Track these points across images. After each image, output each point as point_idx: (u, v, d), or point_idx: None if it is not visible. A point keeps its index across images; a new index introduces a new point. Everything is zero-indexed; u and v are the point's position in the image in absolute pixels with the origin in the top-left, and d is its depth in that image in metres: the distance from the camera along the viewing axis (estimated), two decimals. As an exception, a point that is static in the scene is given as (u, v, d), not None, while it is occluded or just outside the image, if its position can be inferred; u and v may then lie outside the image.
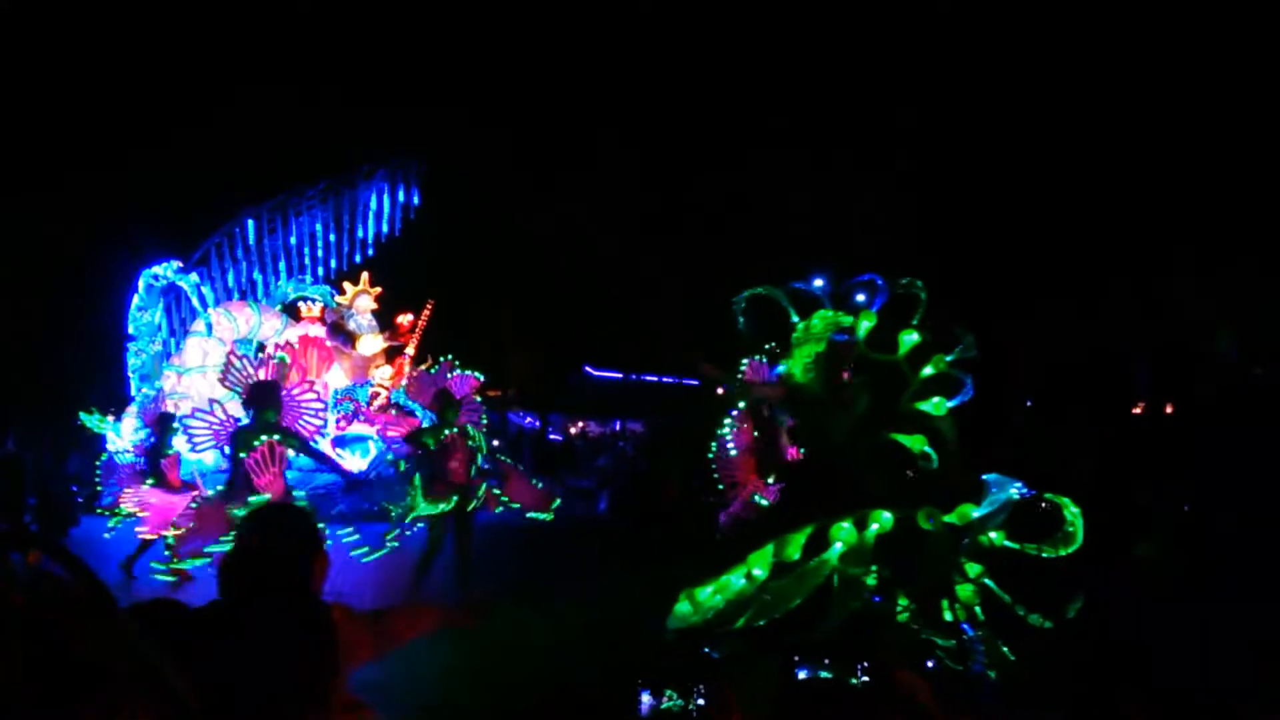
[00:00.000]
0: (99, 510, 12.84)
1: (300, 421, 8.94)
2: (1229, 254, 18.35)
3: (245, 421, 8.84)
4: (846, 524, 5.88)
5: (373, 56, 28.29)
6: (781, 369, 7.61)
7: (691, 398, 31.04)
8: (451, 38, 29.98)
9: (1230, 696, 5.60)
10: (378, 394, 18.35)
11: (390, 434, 9.85)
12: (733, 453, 9.95)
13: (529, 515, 9.99)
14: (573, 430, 34.54)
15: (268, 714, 2.36)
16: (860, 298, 7.20)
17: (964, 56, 24.66)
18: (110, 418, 17.18)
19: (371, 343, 19.00)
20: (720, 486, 10.08)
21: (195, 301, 19.16)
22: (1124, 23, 22.49)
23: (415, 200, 21.47)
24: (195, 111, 25.86)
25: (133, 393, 18.50)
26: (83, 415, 17.92)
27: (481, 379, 10.10)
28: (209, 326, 18.23)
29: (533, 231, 28.66)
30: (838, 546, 5.88)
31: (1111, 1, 22.97)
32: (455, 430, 9.14)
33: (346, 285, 19.84)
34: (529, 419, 31.15)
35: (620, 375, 34.45)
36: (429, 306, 20.37)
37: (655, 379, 34.02)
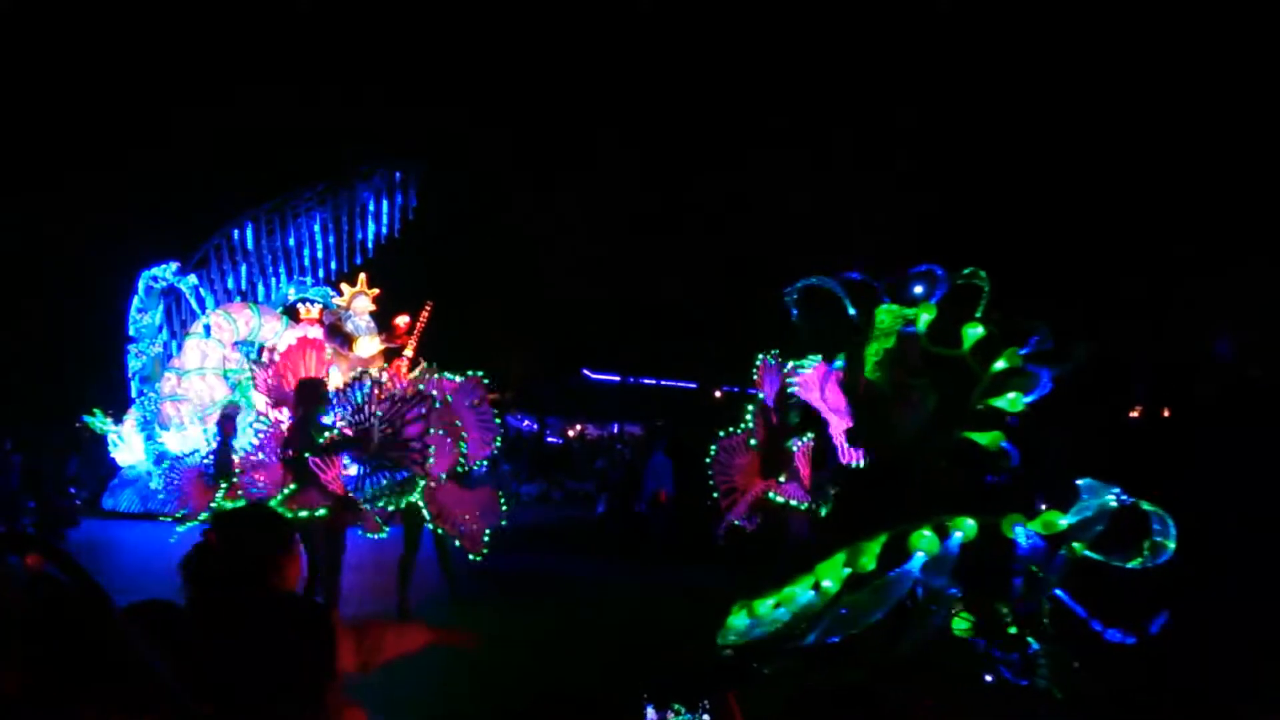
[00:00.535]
0: (163, 515, 12.63)
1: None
2: (1229, 255, 18.33)
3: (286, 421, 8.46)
4: (928, 532, 5.50)
5: (372, 57, 28.36)
6: (840, 364, 7.23)
7: (688, 401, 31.11)
8: (451, 39, 30.04)
9: (1230, 696, 5.56)
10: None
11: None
12: (752, 443, 9.39)
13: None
14: (571, 433, 34.54)
15: (265, 714, 2.36)
16: (918, 290, 6.79)
17: (964, 57, 24.68)
18: (111, 420, 17.20)
19: (369, 345, 18.92)
20: (715, 495, 9.54)
21: (194, 303, 19.16)
22: (1123, 28, 22.51)
23: (413, 201, 21.45)
24: (195, 113, 25.89)
25: (133, 394, 18.52)
26: (86, 418, 17.95)
27: (488, 382, 9.73)
28: (207, 328, 18.22)
29: (531, 234, 28.66)
30: (919, 556, 5.47)
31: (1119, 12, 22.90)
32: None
33: (344, 286, 19.77)
34: (527, 422, 31.14)
35: (618, 378, 34.47)
36: (427, 308, 20.33)
37: (654, 382, 34.04)
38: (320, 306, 19.44)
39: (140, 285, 18.82)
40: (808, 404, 9.13)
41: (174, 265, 19.12)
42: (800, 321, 7.40)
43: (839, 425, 8.61)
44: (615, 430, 33.76)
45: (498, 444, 9.69)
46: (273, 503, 7.77)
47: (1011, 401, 6.22)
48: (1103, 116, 22.94)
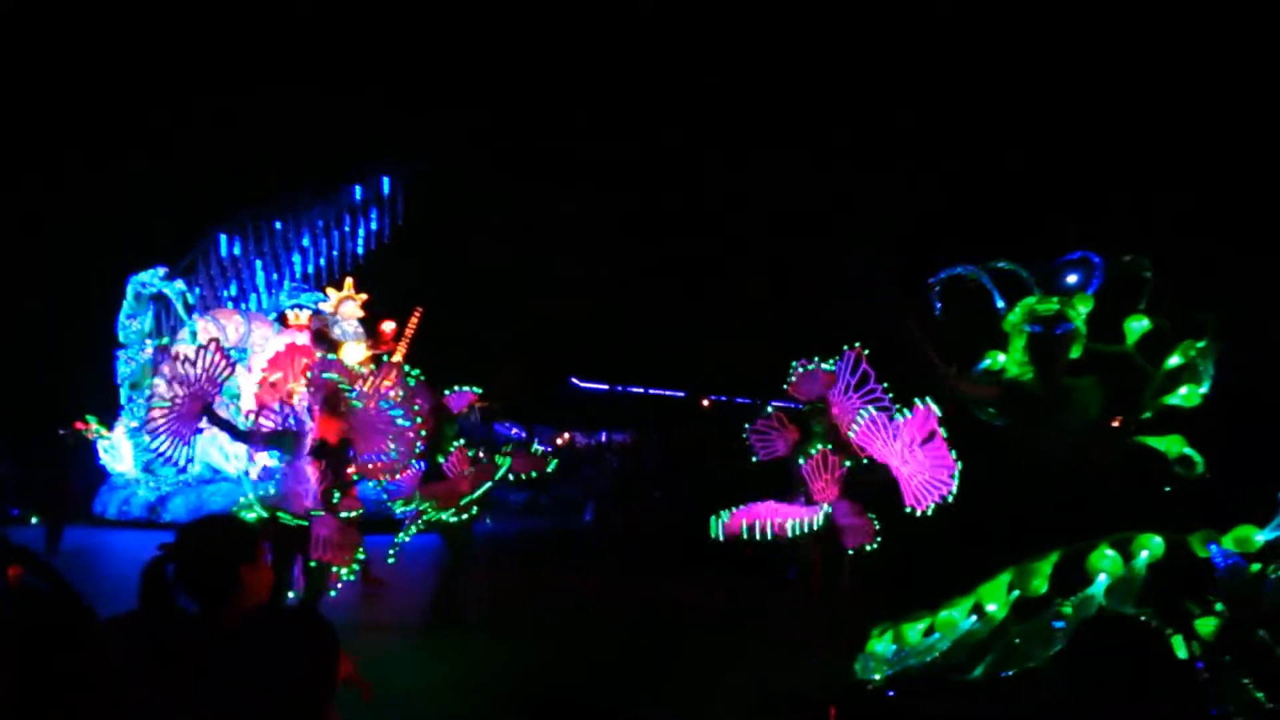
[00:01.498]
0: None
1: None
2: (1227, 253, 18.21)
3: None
4: (1110, 551, 4.91)
5: (362, 63, 28.31)
6: (986, 363, 6.54)
7: (677, 410, 31.14)
8: (441, 44, 30.03)
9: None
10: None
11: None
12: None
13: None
14: (559, 441, 34.51)
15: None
16: (1072, 279, 6.15)
17: (965, 58, 24.71)
18: (105, 427, 17.16)
19: (355, 351, 18.72)
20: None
21: (180, 309, 19.04)
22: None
23: (401, 207, 21.42)
24: (184, 115, 25.81)
25: (123, 401, 18.41)
26: (78, 425, 17.87)
27: (479, 393, 9.43)
28: (193, 334, 18.13)
29: (521, 241, 28.68)
30: (1102, 580, 4.89)
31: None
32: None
33: (330, 291, 19.64)
34: (515, 430, 31.07)
35: (606, 386, 34.47)
36: (417, 314, 20.22)
37: (642, 390, 34.06)
38: (309, 313, 19.33)
39: (129, 291, 18.70)
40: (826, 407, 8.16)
41: (162, 270, 19.01)
42: (943, 316, 6.64)
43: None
44: (604, 439, 33.75)
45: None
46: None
47: (1186, 396, 5.67)
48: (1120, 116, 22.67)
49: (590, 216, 28.81)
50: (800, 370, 8.35)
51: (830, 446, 7.91)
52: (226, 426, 7.87)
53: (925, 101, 25.31)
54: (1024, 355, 6.05)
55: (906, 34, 26.02)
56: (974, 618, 4.99)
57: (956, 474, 7.07)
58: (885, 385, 7.77)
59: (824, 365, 8.22)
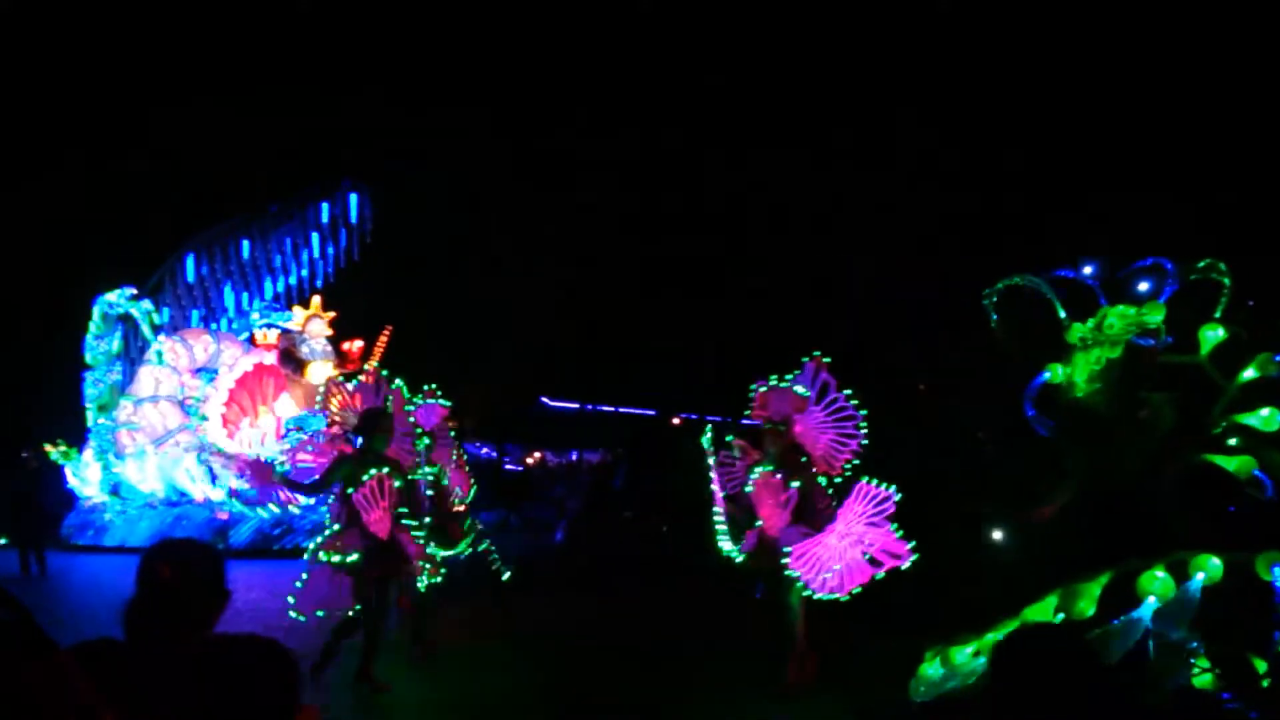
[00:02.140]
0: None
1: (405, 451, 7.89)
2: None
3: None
4: (1160, 573, 4.67)
5: (333, 75, 28.18)
6: (1046, 376, 6.06)
7: (649, 429, 31.10)
8: (409, 53, 30.00)
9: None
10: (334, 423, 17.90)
11: (301, 462, 7.98)
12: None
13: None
14: (530, 460, 34.38)
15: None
16: (1144, 286, 5.76)
17: (964, 59, 24.85)
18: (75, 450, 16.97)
19: (321, 370, 18.49)
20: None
21: (146, 329, 18.82)
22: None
23: (369, 225, 21.33)
24: (150, 135, 25.60)
25: (90, 423, 18.15)
26: (46, 446, 17.61)
27: (450, 406, 8.82)
28: (159, 355, 17.93)
29: (492, 260, 28.64)
30: (1151, 602, 4.64)
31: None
32: (383, 470, 7.29)
33: (297, 310, 19.45)
34: (485, 450, 30.93)
35: (577, 406, 34.43)
36: (386, 332, 20.08)
37: (612, 409, 34.03)
38: (278, 332, 19.16)
39: (96, 312, 18.47)
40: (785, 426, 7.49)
41: (129, 291, 18.79)
42: (1000, 328, 6.28)
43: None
44: (574, 458, 33.67)
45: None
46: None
47: (1266, 419, 5.20)
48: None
49: (566, 230, 28.85)
50: (765, 388, 7.53)
51: (775, 469, 7.20)
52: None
53: (925, 102, 25.41)
54: (1102, 369, 5.70)
55: (907, 34, 26.17)
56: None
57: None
58: (848, 393, 7.30)
59: (798, 389, 7.47)
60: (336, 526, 7.29)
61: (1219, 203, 18.46)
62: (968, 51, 24.71)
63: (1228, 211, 18.10)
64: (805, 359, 7.48)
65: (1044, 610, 4.84)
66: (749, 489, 7.32)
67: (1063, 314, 5.97)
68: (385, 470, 7.25)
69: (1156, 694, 4.64)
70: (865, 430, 7.27)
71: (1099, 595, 4.75)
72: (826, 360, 7.39)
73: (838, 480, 7.35)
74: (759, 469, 7.27)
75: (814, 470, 7.32)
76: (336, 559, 7.08)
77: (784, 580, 7.03)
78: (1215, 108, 20.62)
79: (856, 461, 7.32)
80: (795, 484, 7.09)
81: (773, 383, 7.51)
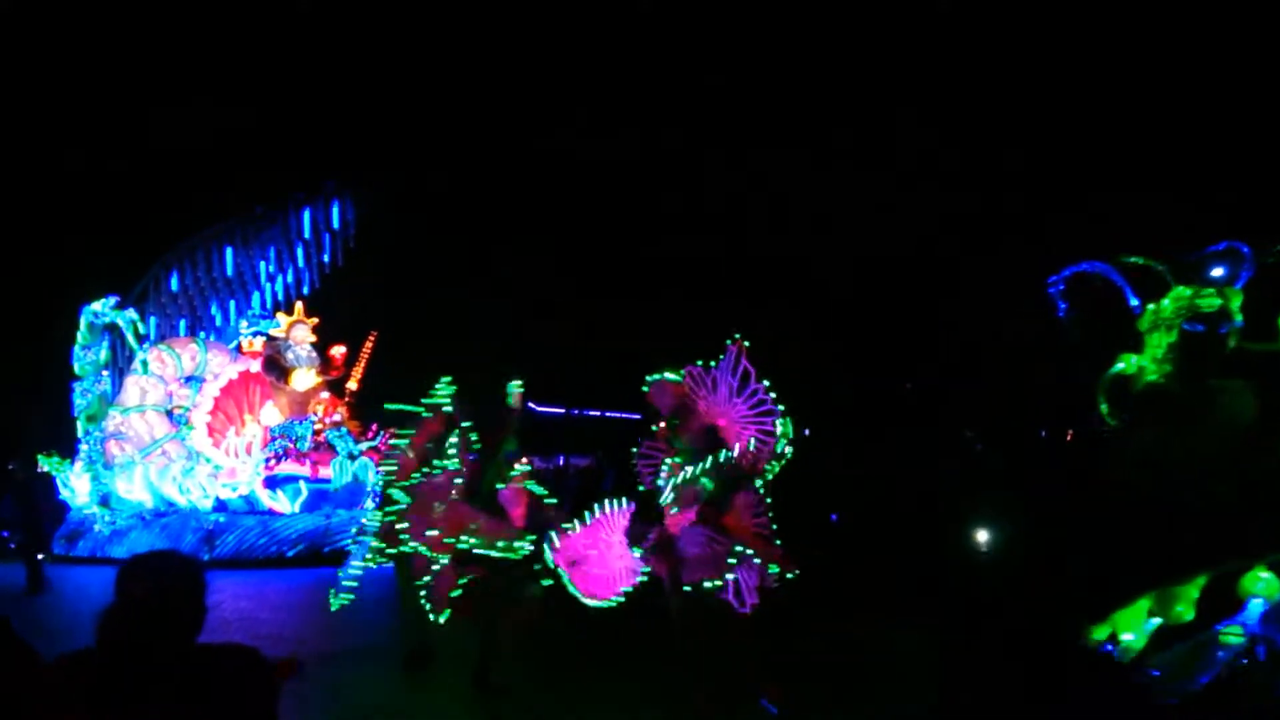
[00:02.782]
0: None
1: None
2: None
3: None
4: (1265, 574, 4.46)
5: (318, 83, 28.11)
6: (1120, 366, 5.78)
7: (635, 432, 31.04)
8: (391, 63, 29.94)
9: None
10: (320, 431, 17.82)
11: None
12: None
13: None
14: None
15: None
16: (1218, 272, 5.49)
17: (964, 59, 24.90)
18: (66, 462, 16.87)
19: (305, 378, 18.34)
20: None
21: (131, 339, 18.69)
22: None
23: (352, 230, 21.22)
24: (133, 142, 25.46)
25: (79, 434, 18.02)
26: (40, 458, 17.47)
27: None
28: (144, 364, 17.82)
29: (478, 266, 28.59)
30: (1256, 604, 4.43)
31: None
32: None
33: (281, 316, 19.31)
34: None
35: (563, 410, 34.36)
36: (371, 338, 19.98)
37: (599, 414, 33.99)
38: (263, 339, 19.04)
39: (82, 322, 18.36)
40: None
41: (114, 300, 18.67)
42: (1067, 317, 6.02)
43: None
44: (561, 463, 33.57)
45: None
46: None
47: None
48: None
49: (550, 237, 28.84)
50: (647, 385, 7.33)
51: (684, 462, 6.95)
52: None
53: (925, 102, 25.46)
54: (1166, 355, 5.44)
55: (907, 34, 26.22)
56: (1110, 648, 4.56)
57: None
58: (767, 384, 6.94)
59: (669, 376, 7.25)
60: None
61: (1219, 203, 18.50)
62: (968, 51, 24.80)
63: (1228, 211, 18.17)
64: (728, 341, 7.08)
65: (1136, 615, 4.60)
66: (660, 481, 7.14)
67: (1134, 301, 5.74)
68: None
69: (1256, 705, 4.39)
70: (783, 429, 6.89)
71: (1196, 599, 4.53)
72: (747, 345, 7.01)
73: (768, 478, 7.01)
74: (668, 461, 7.13)
75: (739, 465, 6.89)
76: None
77: (676, 583, 6.89)
78: (1215, 107, 20.73)
79: (777, 464, 6.95)
80: (705, 481, 6.79)
81: (652, 378, 7.28)
